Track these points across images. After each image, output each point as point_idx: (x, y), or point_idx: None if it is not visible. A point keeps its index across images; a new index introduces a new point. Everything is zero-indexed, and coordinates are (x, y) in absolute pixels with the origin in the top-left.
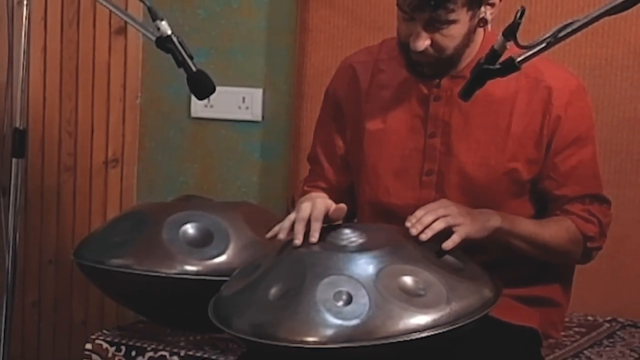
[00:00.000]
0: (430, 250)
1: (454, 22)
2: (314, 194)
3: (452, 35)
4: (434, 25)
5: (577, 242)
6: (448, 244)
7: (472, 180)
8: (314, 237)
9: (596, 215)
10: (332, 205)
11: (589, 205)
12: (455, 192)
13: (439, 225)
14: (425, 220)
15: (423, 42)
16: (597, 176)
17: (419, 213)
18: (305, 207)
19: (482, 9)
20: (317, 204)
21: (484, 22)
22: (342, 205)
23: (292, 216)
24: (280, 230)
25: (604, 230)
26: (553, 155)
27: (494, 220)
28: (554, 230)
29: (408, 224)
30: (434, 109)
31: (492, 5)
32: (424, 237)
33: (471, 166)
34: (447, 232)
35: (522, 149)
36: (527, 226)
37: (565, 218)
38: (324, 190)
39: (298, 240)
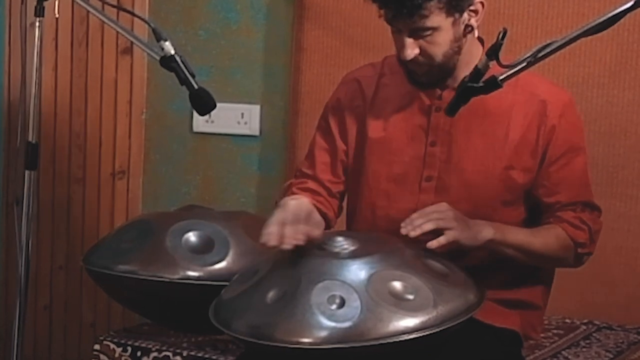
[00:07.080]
0: (418, 257)
1: (435, 29)
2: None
3: (437, 42)
4: (417, 33)
5: (568, 249)
6: (432, 244)
7: (471, 186)
8: (295, 241)
9: (587, 223)
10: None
11: (580, 213)
12: (454, 197)
13: (427, 226)
14: (417, 222)
15: (411, 51)
16: (588, 184)
17: (414, 215)
18: (280, 211)
19: (465, 15)
20: (301, 206)
21: (469, 28)
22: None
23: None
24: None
25: (593, 237)
26: (547, 164)
27: (487, 232)
28: (545, 238)
29: (402, 224)
30: (436, 119)
31: (475, 12)
32: (412, 234)
33: (470, 172)
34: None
35: (518, 157)
36: (518, 235)
37: (556, 225)
38: (312, 192)
39: (287, 245)
